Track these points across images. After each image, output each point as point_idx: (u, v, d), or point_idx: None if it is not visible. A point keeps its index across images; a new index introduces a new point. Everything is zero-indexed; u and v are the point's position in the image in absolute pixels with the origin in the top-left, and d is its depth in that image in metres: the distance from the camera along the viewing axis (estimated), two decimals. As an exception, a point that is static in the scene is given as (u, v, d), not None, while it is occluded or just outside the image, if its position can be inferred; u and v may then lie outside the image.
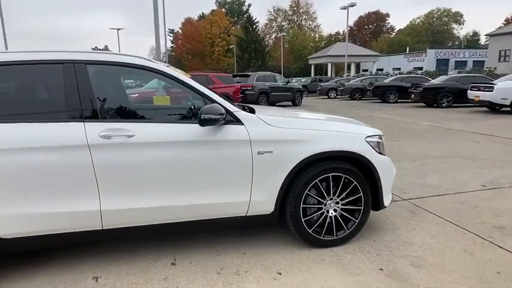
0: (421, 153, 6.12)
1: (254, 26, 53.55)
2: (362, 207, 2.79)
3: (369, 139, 2.79)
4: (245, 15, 54.01)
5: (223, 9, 65.06)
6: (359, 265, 2.52)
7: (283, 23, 67.40)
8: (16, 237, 2.24)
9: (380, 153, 2.85)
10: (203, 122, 2.32)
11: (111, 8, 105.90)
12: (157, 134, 2.38)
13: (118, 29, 38.63)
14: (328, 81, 27.06)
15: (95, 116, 2.32)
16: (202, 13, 66.86)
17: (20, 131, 2.19)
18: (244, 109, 2.76)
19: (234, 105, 2.66)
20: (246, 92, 14.21)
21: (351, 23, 64.41)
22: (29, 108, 2.28)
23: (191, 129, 2.40)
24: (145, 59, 2.57)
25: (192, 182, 2.47)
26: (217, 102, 2.50)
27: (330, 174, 2.66)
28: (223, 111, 2.41)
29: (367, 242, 2.86)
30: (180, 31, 66.50)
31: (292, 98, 16.62)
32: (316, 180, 2.63)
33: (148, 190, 2.40)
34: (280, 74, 42.83)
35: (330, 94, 23.00)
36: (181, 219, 2.50)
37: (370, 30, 73.74)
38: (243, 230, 3.01)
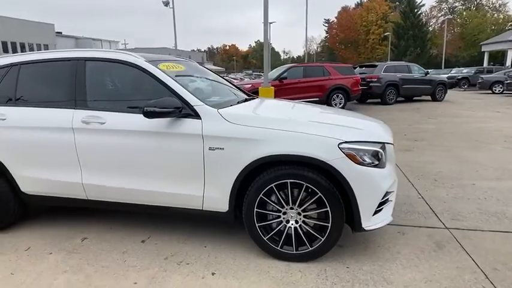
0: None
1: (416, 10, 47.84)
2: (329, 224, 2.38)
3: (346, 145, 2.32)
4: (407, -1, 48.64)
5: (384, -6, 60.34)
6: (298, 288, 2.20)
7: (456, 3, 57.46)
8: (32, 194, 2.95)
9: (370, 164, 2.34)
10: (147, 114, 2.44)
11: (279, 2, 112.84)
12: (120, 122, 2.65)
13: (270, 23, 41.17)
14: (499, 71, 21.84)
15: (83, 105, 2.77)
16: (360, 0, 63.89)
17: (34, 114, 2.84)
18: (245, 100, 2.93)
19: (247, 94, 2.70)
20: (371, 84, 13.13)
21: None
22: (45, 97, 2.92)
23: (141, 121, 2.54)
24: (131, 54, 2.82)
25: (146, 169, 2.65)
26: (179, 97, 2.57)
27: (289, 181, 2.37)
28: (177, 105, 2.48)
29: (336, 267, 2.43)
30: (335, 20, 65.73)
31: (431, 92, 14.35)
32: (272, 185, 2.40)
33: (114, 171, 2.72)
34: (442, 63, 37.17)
35: (493, 88, 18.58)
36: (142, 202, 2.73)
37: None
38: (230, 226, 2.98)
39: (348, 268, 2.41)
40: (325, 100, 11.62)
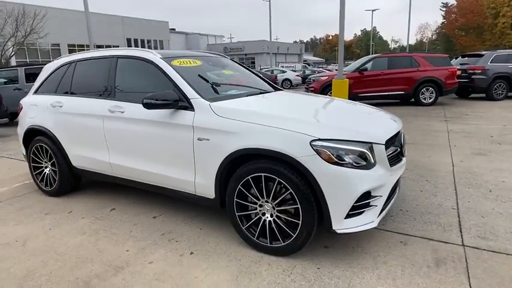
0: None
1: None
2: (300, 222, 2.35)
3: (320, 143, 2.24)
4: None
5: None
6: (255, 284, 2.26)
7: None
8: (79, 168, 3.61)
9: (349, 164, 2.23)
10: (146, 105, 2.74)
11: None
12: (134, 112, 3.03)
13: (373, 10, 38.78)
14: None
15: (112, 96, 3.26)
16: (490, -22, 54.64)
17: (80, 102, 3.46)
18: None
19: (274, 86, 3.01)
20: (474, 77, 11.39)
21: None
22: (89, 88, 3.51)
23: (148, 111, 2.87)
24: (150, 52, 3.18)
25: (151, 154, 2.99)
26: (180, 90, 2.82)
27: (263, 175, 2.42)
28: (174, 98, 2.73)
29: (307, 266, 2.39)
30: (455, 3, 57.80)
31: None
32: (249, 177, 2.47)
33: (129, 153, 3.14)
34: None
35: None
36: (149, 181, 3.10)
37: None
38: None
39: (318, 269, 2.35)
40: (412, 94, 10.59)
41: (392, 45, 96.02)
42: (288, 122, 2.43)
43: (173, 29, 51.88)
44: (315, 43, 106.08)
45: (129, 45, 39.65)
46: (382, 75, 10.69)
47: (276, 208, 2.45)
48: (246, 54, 51.34)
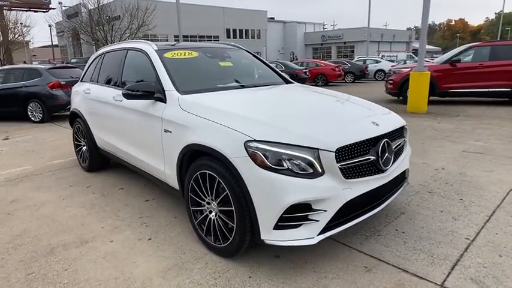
0: None
1: None
2: (234, 226, 2.22)
3: (254, 144, 2.06)
4: None
5: None
6: (179, 280, 2.24)
7: None
8: (101, 149, 4.05)
9: (284, 170, 2.01)
10: (125, 95, 2.88)
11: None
12: (128, 101, 3.21)
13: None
14: None
15: (119, 85, 3.55)
16: None
17: (100, 90, 3.85)
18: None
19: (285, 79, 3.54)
20: None
21: None
22: (108, 77, 3.87)
23: (136, 101, 3.02)
24: (148, 44, 3.33)
25: (136, 141, 3.19)
26: (159, 82, 2.90)
27: (207, 172, 2.35)
28: (149, 89, 2.83)
29: (239, 271, 2.25)
30: None
31: None
32: (198, 173, 2.43)
33: (125, 139, 3.40)
34: None
35: None
36: (142, 168, 3.28)
37: None
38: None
39: (250, 278, 2.19)
40: (520, 92, 8.69)
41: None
42: (237, 119, 2.29)
43: (272, 18, 52.64)
44: (433, 29, 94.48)
45: (228, 36, 41.76)
46: (481, 68, 8.99)
47: (218, 208, 2.36)
48: (344, 43, 49.04)
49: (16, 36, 26.96)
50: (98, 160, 4.28)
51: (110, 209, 3.28)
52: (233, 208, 2.19)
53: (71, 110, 4.56)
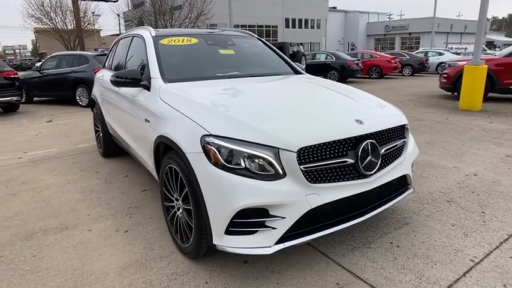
0: None
1: None
2: (193, 226, 2.06)
3: (210, 139, 1.86)
4: None
5: None
6: (134, 277, 2.14)
7: None
8: (112, 134, 4.12)
9: (235, 168, 1.80)
10: (112, 82, 2.82)
11: None
12: (124, 88, 3.17)
13: None
14: None
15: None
16: None
17: (108, 76, 3.89)
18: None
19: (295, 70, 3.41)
20: None
21: None
22: (117, 63, 3.89)
23: (127, 88, 3.00)
24: (148, 30, 3.26)
25: (129, 128, 3.17)
26: (148, 69, 2.81)
27: (173, 166, 2.20)
28: (135, 76, 2.75)
29: (197, 277, 2.09)
30: None
31: None
32: (167, 167, 2.30)
33: (121, 125, 3.40)
34: None
35: None
36: (133, 154, 3.25)
37: None
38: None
39: (206, 284, 2.03)
40: None
41: None
42: (203, 111, 2.12)
43: (334, 7, 50.73)
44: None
45: (287, 26, 41.05)
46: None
47: (183, 206, 2.21)
48: (410, 34, 45.71)
49: (86, 24, 29.02)
50: (111, 146, 4.36)
51: (104, 197, 3.31)
52: (191, 207, 2.02)
53: (90, 97, 4.72)
